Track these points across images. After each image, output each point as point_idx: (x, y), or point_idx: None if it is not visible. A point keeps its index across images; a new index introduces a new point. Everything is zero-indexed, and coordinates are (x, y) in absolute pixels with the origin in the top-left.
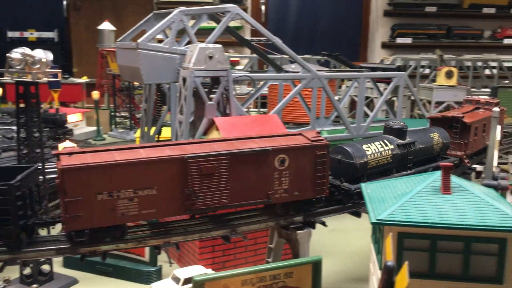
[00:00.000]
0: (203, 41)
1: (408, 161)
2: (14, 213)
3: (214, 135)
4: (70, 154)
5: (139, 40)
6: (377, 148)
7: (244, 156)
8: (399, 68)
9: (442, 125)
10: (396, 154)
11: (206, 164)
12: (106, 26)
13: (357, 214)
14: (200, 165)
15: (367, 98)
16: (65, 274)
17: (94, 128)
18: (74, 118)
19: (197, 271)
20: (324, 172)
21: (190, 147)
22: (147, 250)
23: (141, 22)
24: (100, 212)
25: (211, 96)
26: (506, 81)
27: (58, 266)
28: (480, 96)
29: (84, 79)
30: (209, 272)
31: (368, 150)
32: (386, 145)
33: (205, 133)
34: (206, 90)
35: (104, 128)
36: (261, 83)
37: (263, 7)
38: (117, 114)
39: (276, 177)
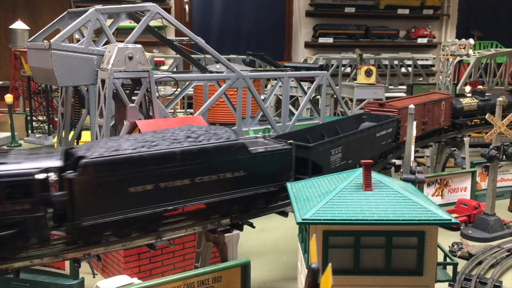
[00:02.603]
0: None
1: (486, 110)
2: None
3: None
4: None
5: (52, 40)
6: (469, 101)
7: (437, 102)
8: (321, 67)
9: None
10: (479, 105)
11: (429, 106)
12: (19, 25)
13: (284, 214)
14: (428, 107)
15: (292, 97)
16: None
17: (8, 134)
18: None
19: (122, 281)
20: (451, 111)
21: (420, 98)
22: (67, 262)
23: (54, 20)
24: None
25: (133, 98)
26: (420, 78)
27: None
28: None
29: None
30: (134, 282)
31: (463, 101)
32: (473, 100)
33: None
34: (127, 92)
35: (19, 133)
36: (186, 83)
37: (187, 7)
38: (34, 118)
39: (441, 114)
